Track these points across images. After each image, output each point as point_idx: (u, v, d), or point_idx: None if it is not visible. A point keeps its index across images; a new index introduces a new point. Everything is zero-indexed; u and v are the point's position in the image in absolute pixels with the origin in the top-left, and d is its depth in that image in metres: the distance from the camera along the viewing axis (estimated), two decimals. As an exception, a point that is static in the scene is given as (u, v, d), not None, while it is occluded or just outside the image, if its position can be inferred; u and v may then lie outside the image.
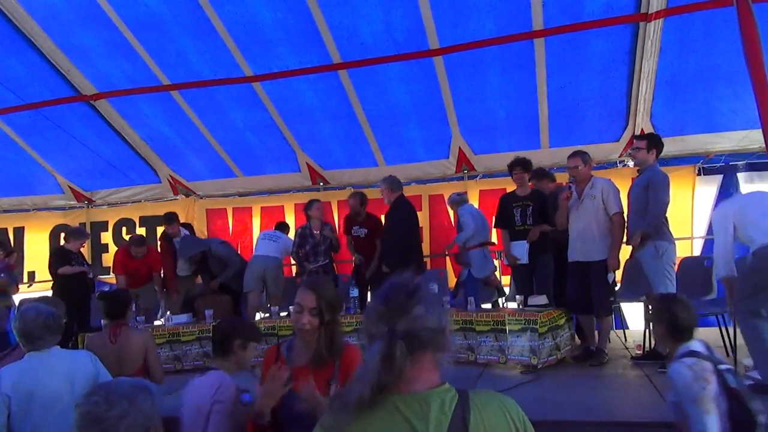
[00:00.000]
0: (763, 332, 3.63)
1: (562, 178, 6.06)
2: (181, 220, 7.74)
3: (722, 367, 2.30)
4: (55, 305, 3.20)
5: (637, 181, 4.75)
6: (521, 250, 5.36)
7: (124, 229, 8.06)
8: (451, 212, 7.00)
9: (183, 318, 5.98)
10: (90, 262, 6.78)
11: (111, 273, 7.18)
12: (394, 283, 1.30)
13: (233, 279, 6.41)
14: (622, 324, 6.27)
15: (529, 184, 5.44)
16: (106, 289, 7.25)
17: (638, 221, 4.55)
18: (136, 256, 6.48)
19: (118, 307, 3.59)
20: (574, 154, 4.83)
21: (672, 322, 2.44)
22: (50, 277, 6.57)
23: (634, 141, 4.86)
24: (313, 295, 2.09)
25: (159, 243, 6.88)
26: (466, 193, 6.79)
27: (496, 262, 6.53)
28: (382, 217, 6.01)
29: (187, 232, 6.90)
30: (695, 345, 2.40)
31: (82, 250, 6.87)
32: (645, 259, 4.49)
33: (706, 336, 4.16)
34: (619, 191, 4.77)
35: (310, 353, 2.13)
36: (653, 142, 4.63)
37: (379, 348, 1.17)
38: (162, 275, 6.69)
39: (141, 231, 7.98)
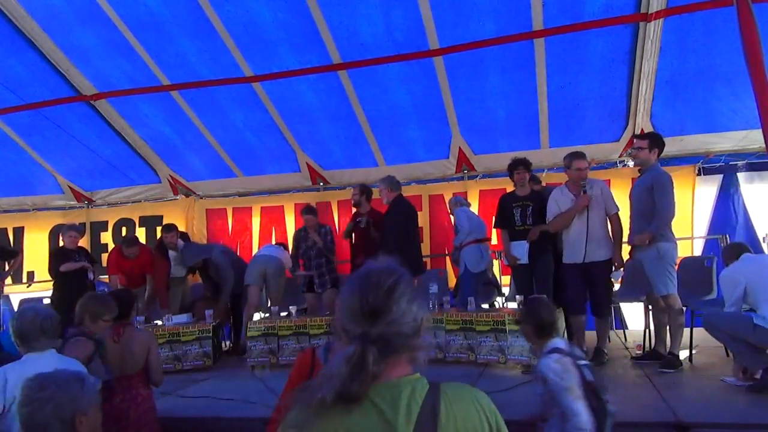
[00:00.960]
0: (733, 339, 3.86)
1: (562, 178, 6.06)
2: (181, 220, 7.76)
3: (580, 362, 2.53)
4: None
5: (638, 182, 4.69)
6: (521, 250, 5.35)
7: (124, 229, 8.05)
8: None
9: (183, 318, 5.98)
10: (91, 260, 6.69)
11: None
12: (373, 272, 1.22)
13: (234, 285, 6.42)
14: (622, 324, 6.28)
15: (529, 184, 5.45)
16: (105, 289, 7.24)
17: (642, 222, 4.51)
18: (129, 256, 6.44)
19: (122, 308, 3.61)
20: (580, 156, 4.80)
21: (538, 322, 2.69)
22: (50, 276, 6.56)
23: (635, 140, 4.82)
24: None
25: (154, 252, 6.78)
26: (466, 195, 6.79)
27: (496, 262, 6.54)
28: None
29: (184, 242, 6.83)
30: (558, 342, 2.65)
31: (82, 245, 6.84)
32: (647, 260, 4.48)
33: (706, 337, 4.19)
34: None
35: None
36: (655, 141, 4.58)
37: (350, 354, 1.13)
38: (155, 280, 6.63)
39: (141, 231, 7.97)
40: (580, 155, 4.83)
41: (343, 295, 1.24)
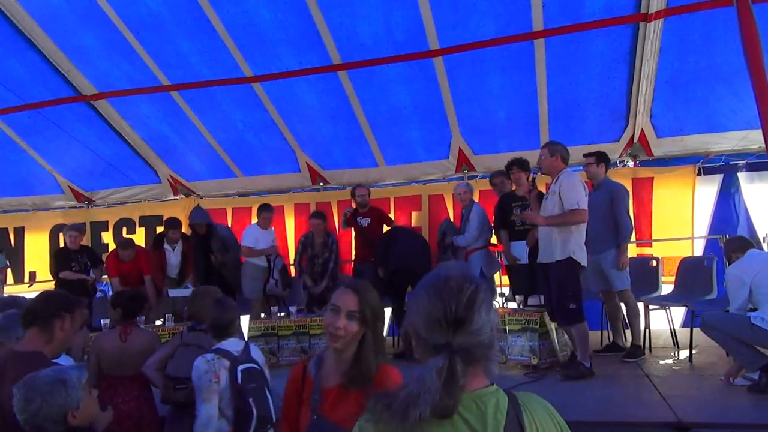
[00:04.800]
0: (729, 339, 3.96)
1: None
2: (181, 220, 7.73)
3: (242, 366, 2.77)
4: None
5: (596, 195, 5.01)
6: (521, 250, 5.35)
7: (124, 229, 8.03)
8: (450, 205, 6.97)
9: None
10: (95, 259, 6.66)
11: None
12: (452, 279, 1.20)
13: (232, 272, 6.38)
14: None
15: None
16: (107, 290, 7.25)
17: (606, 231, 4.95)
18: (124, 259, 6.39)
19: (131, 308, 3.65)
20: (544, 144, 4.70)
21: (214, 321, 2.91)
22: (51, 277, 6.57)
23: (584, 158, 5.23)
24: (355, 297, 1.80)
25: (149, 247, 6.74)
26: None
27: (499, 261, 6.52)
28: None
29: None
30: (228, 343, 2.86)
31: (84, 244, 6.82)
32: (606, 261, 4.97)
33: (706, 337, 4.19)
34: (580, 186, 4.40)
35: (343, 369, 1.81)
36: (601, 157, 5.16)
37: (440, 366, 1.11)
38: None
39: (141, 231, 7.97)
40: (544, 144, 4.71)
41: (419, 301, 1.21)
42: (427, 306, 1.18)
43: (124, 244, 6.56)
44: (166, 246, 6.50)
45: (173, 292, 6.31)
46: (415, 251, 5.83)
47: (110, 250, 7.48)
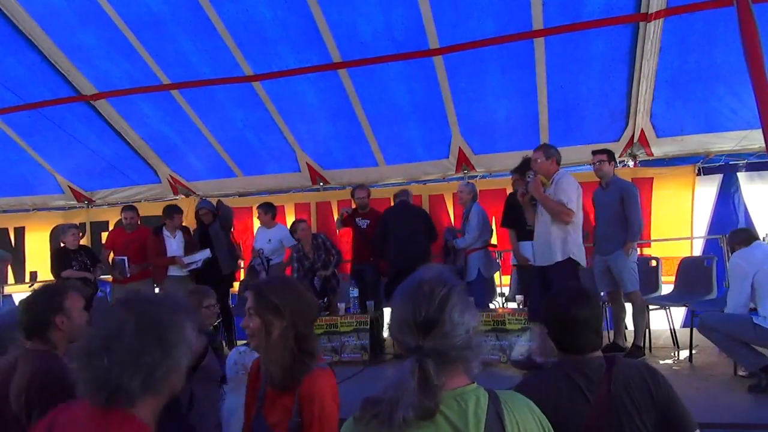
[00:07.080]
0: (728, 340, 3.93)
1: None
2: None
3: None
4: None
5: (606, 193, 4.96)
6: (530, 250, 5.33)
7: (124, 229, 8.03)
8: (451, 205, 6.97)
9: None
10: (94, 259, 6.61)
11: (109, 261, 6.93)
12: (425, 282, 1.22)
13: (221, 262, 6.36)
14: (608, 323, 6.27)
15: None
16: (107, 289, 7.23)
17: (617, 229, 4.81)
18: (126, 225, 6.41)
19: None
20: (538, 147, 4.73)
21: None
22: (53, 277, 6.55)
23: (595, 155, 5.07)
24: (252, 295, 1.80)
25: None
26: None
27: (498, 262, 6.52)
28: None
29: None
30: None
31: (83, 243, 6.81)
32: (615, 262, 4.82)
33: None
34: (574, 189, 4.45)
35: (268, 371, 1.77)
36: (611, 154, 5.07)
37: (412, 369, 1.14)
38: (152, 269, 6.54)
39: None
40: (537, 147, 4.74)
41: (394, 305, 1.24)
42: (399, 310, 1.22)
43: (129, 207, 6.59)
44: (165, 233, 6.44)
45: (188, 258, 6.27)
46: (414, 253, 5.62)
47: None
